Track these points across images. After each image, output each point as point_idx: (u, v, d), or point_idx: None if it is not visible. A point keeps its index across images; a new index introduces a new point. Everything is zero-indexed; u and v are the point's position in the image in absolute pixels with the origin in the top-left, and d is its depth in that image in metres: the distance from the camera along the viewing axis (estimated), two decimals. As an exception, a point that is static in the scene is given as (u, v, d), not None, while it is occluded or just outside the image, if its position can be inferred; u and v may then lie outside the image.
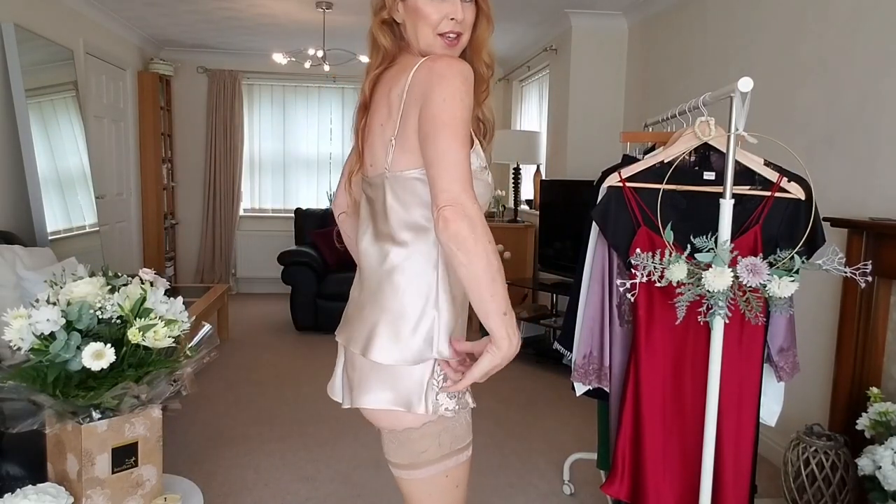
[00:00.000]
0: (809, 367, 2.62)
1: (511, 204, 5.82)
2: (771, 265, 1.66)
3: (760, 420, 1.96)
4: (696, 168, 1.94)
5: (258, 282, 6.87)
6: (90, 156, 4.40)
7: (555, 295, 4.82)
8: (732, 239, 1.74)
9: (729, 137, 1.69)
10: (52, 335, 1.55)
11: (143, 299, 1.67)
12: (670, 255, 1.68)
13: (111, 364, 1.54)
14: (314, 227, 5.92)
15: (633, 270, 1.75)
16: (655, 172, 1.92)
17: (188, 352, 1.73)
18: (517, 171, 5.58)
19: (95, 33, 4.92)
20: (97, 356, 1.53)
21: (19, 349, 1.56)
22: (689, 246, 1.71)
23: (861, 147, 2.59)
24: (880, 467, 1.94)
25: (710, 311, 1.69)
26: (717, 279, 1.62)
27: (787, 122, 2.98)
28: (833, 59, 2.74)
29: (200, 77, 6.64)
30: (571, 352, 2.17)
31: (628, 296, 1.78)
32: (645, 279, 1.70)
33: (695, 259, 1.68)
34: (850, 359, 2.47)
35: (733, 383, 1.87)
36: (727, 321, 1.71)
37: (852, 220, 2.44)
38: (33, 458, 1.75)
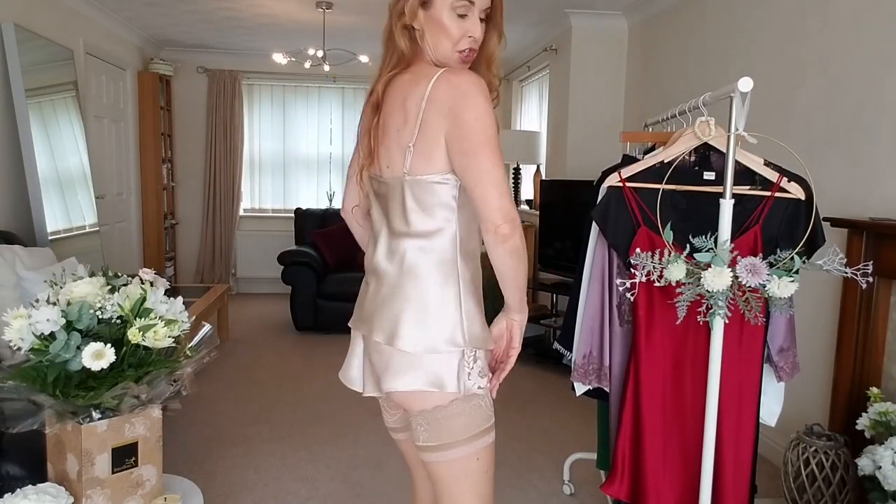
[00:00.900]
0: (809, 367, 2.62)
1: (511, 204, 5.81)
2: (771, 265, 1.66)
3: (760, 420, 1.96)
4: (696, 168, 1.94)
5: (258, 282, 6.87)
6: (90, 156, 4.40)
7: (555, 295, 4.83)
8: (732, 239, 1.74)
9: (729, 137, 1.69)
10: (52, 335, 1.55)
11: (143, 299, 1.67)
12: (669, 255, 1.68)
13: (111, 364, 1.54)
14: (314, 227, 5.93)
15: (632, 270, 1.75)
16: (655, 172, 1.92)
17: (188, 352, 1.73)
18: (517, 171, 5.58)
19: (95, 33, 4.92)
20: (97, 356, 1.53)
21: (19, 349, 1.56)
22: (688, 246, 1.72)
23: (861, 147, 2.59)
24: (880, 467, 1.94)
25: (710, 312, 1.69)
26: (717, 279, 1.62)
27: (787, 122, 2.98)
28: (833, 59, 2.74)
29: (200, 77, 6.64)
30: (571, 352, 2.17)
31: (628, 295, 1.78)
32: (644, 279, 1.70)
33: (694, 259, 1.68)
34: (850, 359, 2.47)
35: (733, 383, 1.87)
36: (727, 321, 1.71)
37: (852, 220, 2.44)
38: (33, 458, 1.75)
